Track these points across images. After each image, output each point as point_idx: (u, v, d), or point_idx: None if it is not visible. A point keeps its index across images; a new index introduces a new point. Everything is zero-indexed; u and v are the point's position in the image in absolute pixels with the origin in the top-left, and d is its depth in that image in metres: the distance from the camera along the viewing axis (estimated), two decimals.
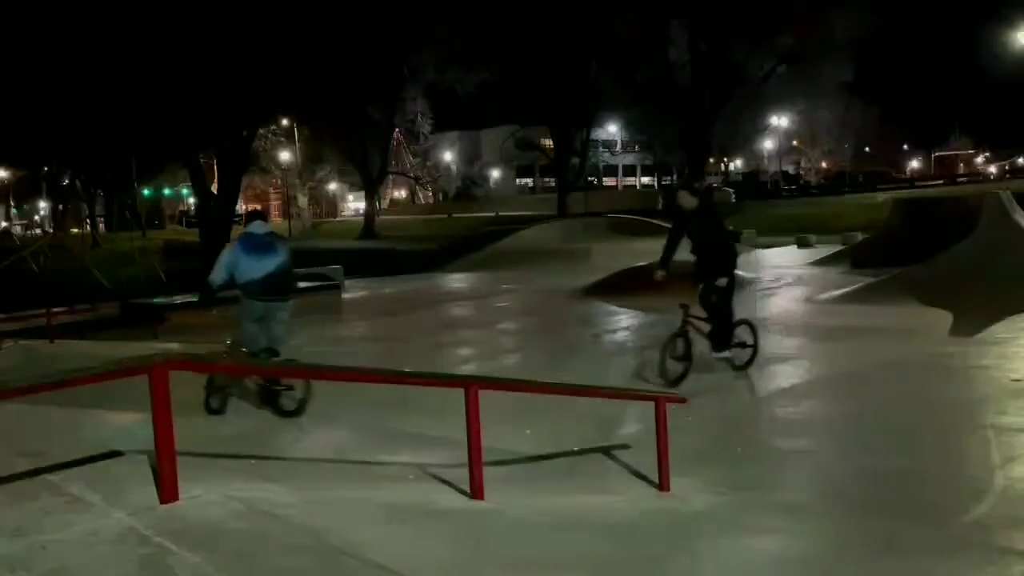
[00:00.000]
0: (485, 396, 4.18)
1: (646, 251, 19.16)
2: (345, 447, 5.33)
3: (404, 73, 42.11)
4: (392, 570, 2.85)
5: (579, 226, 28.77)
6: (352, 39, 32.24)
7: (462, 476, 4.13)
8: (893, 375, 7.62)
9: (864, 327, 10.11)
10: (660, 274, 7.63)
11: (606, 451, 5.47)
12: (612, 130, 64.85)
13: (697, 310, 7.53)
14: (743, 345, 7.82)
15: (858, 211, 34.12)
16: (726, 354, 7.63)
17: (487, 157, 66.97)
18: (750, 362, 7.83)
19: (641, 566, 3.52)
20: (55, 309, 11.76)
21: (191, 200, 59.35)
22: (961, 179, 68.13)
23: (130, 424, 4.82)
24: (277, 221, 65.85)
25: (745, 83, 39.54)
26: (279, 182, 58.81)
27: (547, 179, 66.47)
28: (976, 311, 9.77)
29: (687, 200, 7.68)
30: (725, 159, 65.74)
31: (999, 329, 9.19)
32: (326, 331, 12.69)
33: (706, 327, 7.54)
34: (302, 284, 16.37)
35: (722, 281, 7.49)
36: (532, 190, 72.47)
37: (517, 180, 74.18)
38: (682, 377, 7.16)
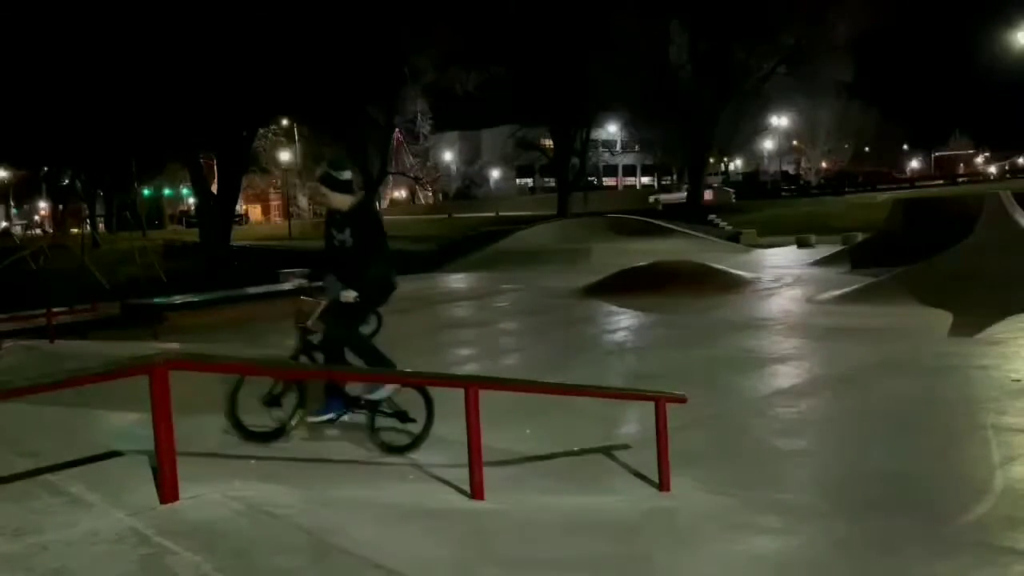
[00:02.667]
0: (485, 396, 4.18)
1: (646, 251, 19.23)
2: (345, 447, 5.33)
3: (404, 73, 42.10)
4: (392, 570, 2.85)
5: (579, 226, 28.75)
6: (352, 39, 32.24)
7: (462, 476, 4.13)
8: (893, 375, 7.62)
9: (864, 327, 10.11)
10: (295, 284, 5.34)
11: (606, 451, 5.47)
12: (612, 130, 64.87)
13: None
14: (403, 418, 5.17)
15: (858, 211, 34.16)
16: (324, 417, 5.15)
17: (487, 157, 67.00)
18: (414, 444, 5.12)
19: (641, 566, 3.52)
20: (55, 309, 11.75)
21: (191, 200, 59.40)
22: (961, 179, 68.20)
23: (130, 424, 4.81)
24: (277, 221, 66.08)
25: (745, 83, 39.52)
26: (279, 182, 58.87)
27: (547, 179, 66.49)
28: (976, 311, 9.77)
29: (338, 199, 5.22)
30: (725, 159, 65.77)
31: (999, 329, 9.20)
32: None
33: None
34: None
35: (349, 295, 5.05)
36: (532, 190, 72.49)
37: (517, 180, 74.21)
38: (280, 431, 4.95)
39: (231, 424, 4.84)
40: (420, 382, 5.38)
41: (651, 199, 51.00)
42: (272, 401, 5.05)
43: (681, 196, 48.69)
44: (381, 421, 5.15)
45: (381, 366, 5.24)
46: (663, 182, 68.99)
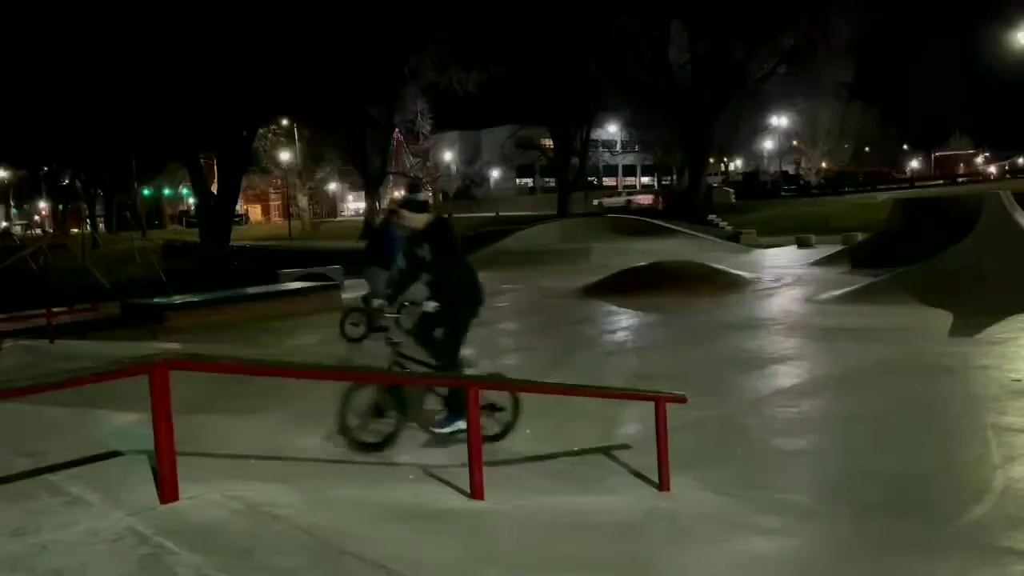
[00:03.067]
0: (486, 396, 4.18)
1: (646, 251, 19.23)
2: (345, 447, 5.32)
3: (404, 73, 42.11)
4: (392, 570, 2.85)
5: (579, 226, 28.74)
6: (352, 39, 32.24)
7: (462, 476, 4.13)
8: (893, 375, 7.62)
9: (864, 327, 10.11)
10: (378, 302, 5.97)
11: (606, 451, 5.47)
12: (612, 130, 64.85)
13: (413, 350, 5.78)
14: (492, 408, 5.56)
15: (858, 211, 34.16)
16: (448, 429, 5.56)
17: (487, 157, 66.96)
18: (504, 433, 5.65)
19: (641, 566, 3.52)
20: (55, 309, 11.74)
21: (191, 200, 59.40)
22: (961, 179, 68.23)
23: (130, 424, 4.82)
24: (277, 221, 66.08)
25: (745, 83, 39.51)
26: (279, 182, 58.86)
27: (547, 179, 66.51)
28: (976, 311, 9.77)
29: (415, 219, 5.74)
30: (725, 159, 65.73)
31: (999, 329, 9.20)
32: (326, 331, 12.69)
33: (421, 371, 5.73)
34: (301, 284, 16.53)
35: (430, 305, 5.60)
36: (532, 190, 72.51)
37: (517, 180, 74.21)
38: (385, 442, 5.31)
39: (340, 432, 5.19)
40: (422, 382, 5.39)
41: (595, 203, 52.04)
42: (377, 412, 5.35)
43: (621, 200, 49.53)
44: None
45: (460, 396, 5.48)
46: (663, 182, 69.02)
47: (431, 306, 5.56)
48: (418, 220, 5.70)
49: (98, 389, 3.75)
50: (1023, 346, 8.44)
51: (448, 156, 68.83)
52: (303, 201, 58.31)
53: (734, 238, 28.94)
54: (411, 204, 5.84)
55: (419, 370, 5.63)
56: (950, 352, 8.35)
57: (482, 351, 10.42)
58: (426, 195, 6.23)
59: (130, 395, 4.15)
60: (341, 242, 39.69)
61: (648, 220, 29.15)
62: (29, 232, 68.08)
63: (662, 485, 4.70)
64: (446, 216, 6.17)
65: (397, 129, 49.86)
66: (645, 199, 48.59)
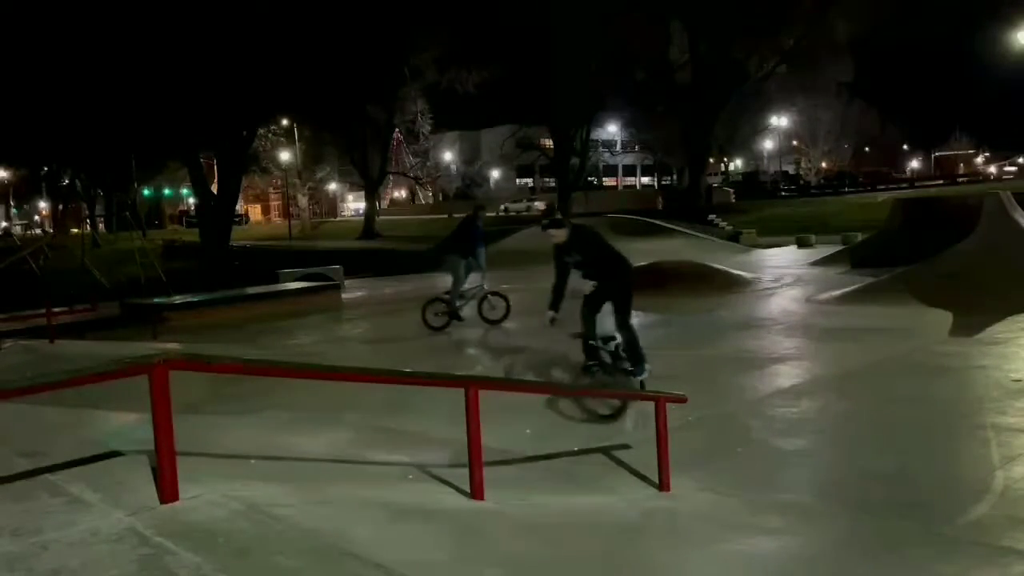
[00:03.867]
0: (485, 396, 4.18)
1: (646, 251, 19.20)
2: (345, 447, 5.33)
3: (404, 73, 42.11)
4: (392, 570, 2.84)
5: None
6: (352, 39, 32.24)
7: (462, 476, 4.13)
8: (893, 375, 7.62)
9: (864, 327, 10.11)
10: (551, 315, 6.94)
11: (606, 451, 5.47)
12: (612, 130, 64.90)
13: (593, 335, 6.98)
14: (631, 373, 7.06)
15: (858, 211, 34.17)
16: (644, 374, 6.91)
17: (487, 157, 66.97)
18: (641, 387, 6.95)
19: (641, 566, 3.52)
20: (55, 309, 11.74)
21: (191, 200, 59.39)
22: (961, 179, 68.25)
23: (130, 424, 4.82)
24: (277, 221, 66.09)
25: (745, 83, 39.50)
26: (279, 182, 58.85)
27: (547, 179, 66.51)
28: (976, 311, 9.77)
29: (557, 234, 7.00)
30: (725, 159, 65.78)
31: (999, 329, 9.20)
32: (326, 331, 12.71)
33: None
34: (301, 284, 16.52)
35: (588, 287, 7.03)
36: (532, 190, 72.52)
37: (517, 180, 74.23)
38: (616, 414, 6.44)
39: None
40: (421, 382, 5.39)
41: (501, 207, 53.44)
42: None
43: (522, 206, 50.18)
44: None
45: (639, 349, 6.95)
46: (663, 182, 69.04)
47: (588, 287, 6.93)
48: (561, 235, 6.90)
49: (98, 389, 3.75)
50: (1023, 346, 8.44)
51: (448, 156, 68.91)
52: (303, 201, 58.31)
53: (734, 238, 28.93)
54: (554, 223, 7.00)
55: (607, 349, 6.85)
56: (950, 352, 8.35)
57: (482, 351, 10.45)
58: (559, 214, 7.54)
59: (130, 395, 4.15)
60: (341, 242, 39.72)
61: (649, 220, 29.13)
62: (29, 232, 68.08)
63: (662, 485, 4.70)
64: (581, 224, 7.38)
65: (397, 129, 49.88)
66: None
